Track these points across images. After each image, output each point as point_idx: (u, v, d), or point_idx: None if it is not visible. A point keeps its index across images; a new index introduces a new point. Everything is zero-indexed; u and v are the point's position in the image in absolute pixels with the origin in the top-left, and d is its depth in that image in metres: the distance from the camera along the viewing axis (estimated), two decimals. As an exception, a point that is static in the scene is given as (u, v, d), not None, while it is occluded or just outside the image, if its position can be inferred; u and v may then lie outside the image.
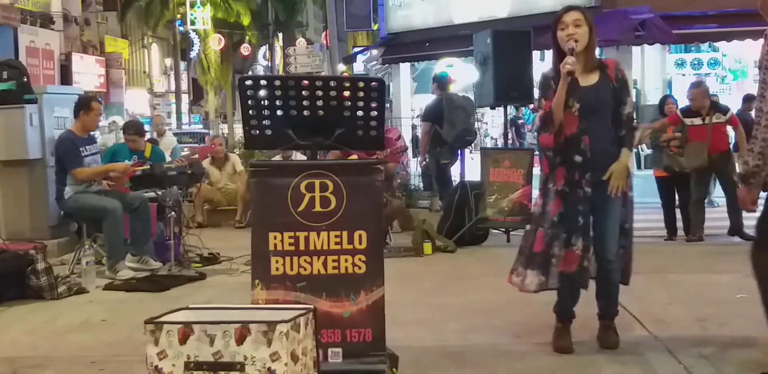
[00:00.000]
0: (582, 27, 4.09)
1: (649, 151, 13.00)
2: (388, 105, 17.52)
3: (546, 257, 4.13)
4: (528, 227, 4.30)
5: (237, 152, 12.05)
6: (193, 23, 37.93)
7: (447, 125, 9.23)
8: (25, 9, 22.05)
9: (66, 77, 24.71)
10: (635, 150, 16.96)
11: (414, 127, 19.11)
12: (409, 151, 11.51)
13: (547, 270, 4.14)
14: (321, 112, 3.65)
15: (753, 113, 3.44)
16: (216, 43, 39.75)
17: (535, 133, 4.33)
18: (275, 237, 3.54)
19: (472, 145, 9.89)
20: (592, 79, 4.15)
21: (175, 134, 15.32)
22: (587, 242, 4.11)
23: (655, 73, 18.93)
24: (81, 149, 6.82)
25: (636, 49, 16.56)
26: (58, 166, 6.90)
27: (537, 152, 4.42)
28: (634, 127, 4.26)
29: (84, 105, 6.98)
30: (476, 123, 10.33)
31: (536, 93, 9.44)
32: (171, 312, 3.16)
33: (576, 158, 4.10)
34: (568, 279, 4.13)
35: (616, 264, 4.20)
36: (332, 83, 3.67)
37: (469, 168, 9.19)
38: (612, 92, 4.13)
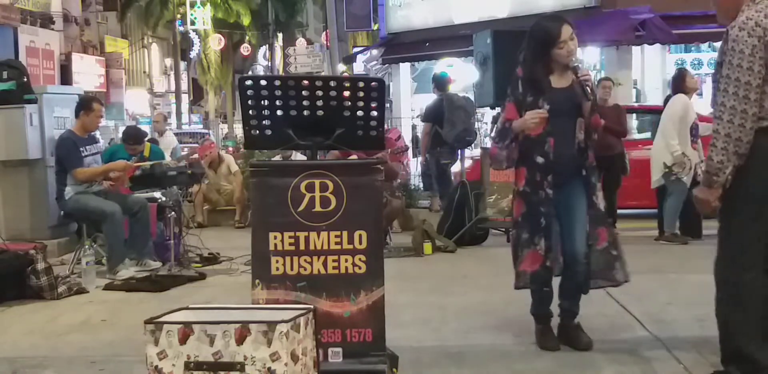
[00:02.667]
0: (575, 40, 4.14)
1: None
2: (388, 105, 17.52)
3: (515, 259, 4.21)
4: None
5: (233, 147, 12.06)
6: (193, 23, 37.97)
7: (447, 125, 9.24)
8: (25, 9, 22.06)
9: (66, 77, 24.73)
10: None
11: (414, 127, 19.11)
12: (409, 151, 11.51)
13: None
14: (321, 112, 3.65)
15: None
16: (216, 43, 39.79)
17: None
18: (275, 237, 3.54)
19: (472, 145, 9.88)
20: (566, 81, 4.18)
21: (175, 134, 15.29)
22: (549, 242, 4.12)
23: (655, 73, 18.91)
24: (81, 149, 6.82)
25: (636, 49, 16.55)
26: (59, 166, 6.90)
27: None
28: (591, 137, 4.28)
29: (85, 105, 6.98)
30: (476, 123, 10.32)
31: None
32: (171, 312, 3.16)
33: (538, 159, 4.12)
34: (532, 278, 4.16)
35: (583, 265, 4.18)
36: (332, 83, 3.67)
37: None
38: (581, 96, 4.15)
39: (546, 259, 4.12)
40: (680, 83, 8.09)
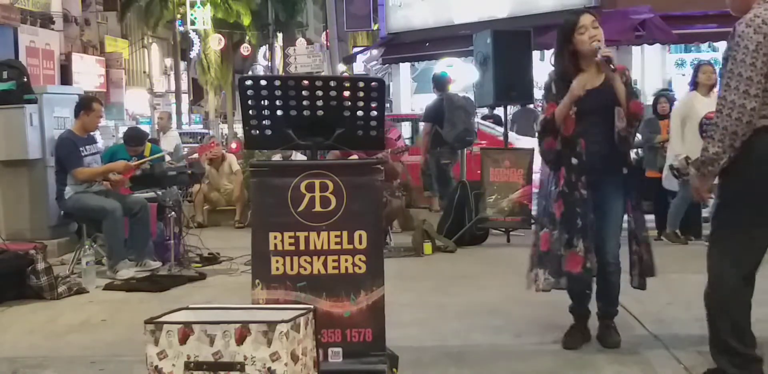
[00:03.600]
0: (599, 28, 4.12)
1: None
2: (388, 105, 17.52)
3: (553, 256, 4.15)
4: (533, 228, 4.34)
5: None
6: (193, 23, 37.95)
7: (447, 125, 9.24)
8: (25, 9, 22.06)
9: (66, 77, 24.74)
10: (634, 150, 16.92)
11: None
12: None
13: (557, 270, 4.16)
14: (321, 112, 3.65)
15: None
16: (216, 43, 39.76)
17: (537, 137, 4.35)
18: (275, 237, 3.54)
19: (472, 144, 9.89)
20: (598, 80, 4.16)
21: (183, 133, 15.31)
22: (588, 244, 4.11)
23: (655, 73, 18.92)
24: (81, 149, 6.82)
25: (636, 49, 16.56)
26: (58, 166, 6.90)
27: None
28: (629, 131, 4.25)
29: (85, 105, 6.98)
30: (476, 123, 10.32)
31: (536, 93, 9.47)
32: (171, 312, 3.16)
33: (572, 160, 4.12)
34: (574, 280, 4.15)
35: (615, 265, 4.22)
36: (332, 83, 3.67)
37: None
38: (615, 96, 4.12)
39: (586, 260, 4.10)
40: (693, 78, 7.86)
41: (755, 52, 3.31)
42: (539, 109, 15.68)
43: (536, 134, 4.42)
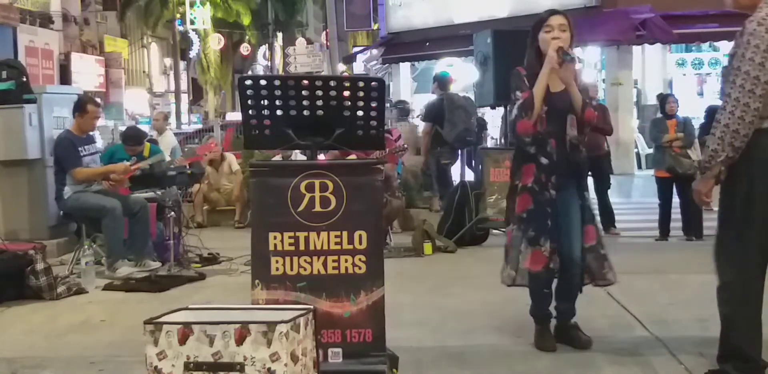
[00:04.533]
0: (566, 32, 4.16)
1: (650, 151, 12.98)
2: (388, 105, 17.51)
3: (514, 252, 4.17)
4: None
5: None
6: (192, 23, 37.93)
7: (448, 125, 9.23)
8: (25, 8, 22.06)
9: (65, 77, 24.73)
10: (635, 150, 16.98)
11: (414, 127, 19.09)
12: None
13: (516, 266, 4.18)
14: (321, 112, 3.64)
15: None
16: (216, 42, 39.77)
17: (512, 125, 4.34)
18: (275, 238, 3.53)
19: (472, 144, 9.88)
20: (562, 85, 4.18)
21: (175, 134, 15.26)
22: (554, 244, 4.13)
23: (655, 72, 18.91)
24: (80, 149, 6.81)
25: (636, 49, 16.58)
26: (57, 166, 6.89)
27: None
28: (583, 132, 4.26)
29: (80, 107, 6.96)
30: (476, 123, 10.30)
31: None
32: (170, 312, 3.15)
33: (542, 160, 4.13)
34: (533, 278, 4.16)
35: (580, 266, 4.20)
36: (332, 83, 3.66)
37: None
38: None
39: (550, 261, 4.12)
40: None
41: (766, 52, 3.28)
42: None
43: (510, 124, 4.42)
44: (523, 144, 4.15)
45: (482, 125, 11.66)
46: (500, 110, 8.83)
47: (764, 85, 3.28)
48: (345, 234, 3.53)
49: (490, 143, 13.35)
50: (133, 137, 8.14)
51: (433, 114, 9.63)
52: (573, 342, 4.24)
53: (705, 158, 3.41)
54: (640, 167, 17.32)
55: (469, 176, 9.37)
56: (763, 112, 3.32)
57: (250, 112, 3.68)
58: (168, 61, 42.07)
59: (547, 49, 4.11)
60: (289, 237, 3.53)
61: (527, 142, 4.13)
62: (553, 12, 4.23)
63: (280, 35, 39.93)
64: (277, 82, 3.65)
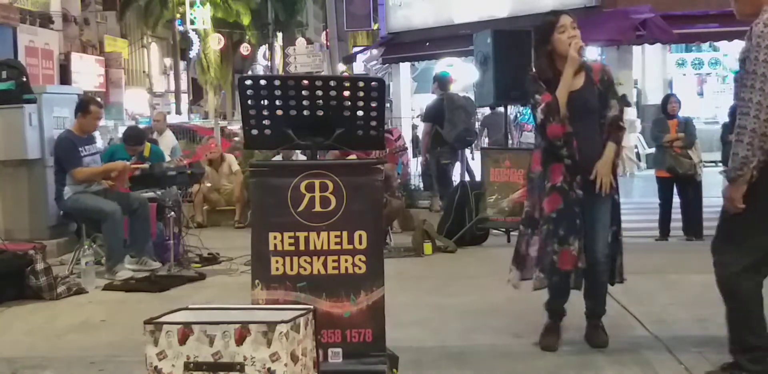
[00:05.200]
0: (577, 29, 4.14)
1: (651, 150, 12.99)
2: (388, 105, 17.52)
3: (546, 254, 4.12)
4: (521, 228, 4.31)
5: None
6: (192, 23, 37.93)
7: (448, 125, 9.23)
8: (25, 8, 22.04)
9: (65, 77, 24.70)
10: (635, 150, 16.98)
11: (414, 127, 19.12)
12: (409, 151, 11.49)
13: (550, 268, 4.13)
14: (321, 112, 3.64)
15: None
16: (216, 42, 39.76)
17: (538, 129, 4.31)
18: (275, 238, 3.53)
19: (473, 145, 9.88)
20: (577, 83, 4.17)
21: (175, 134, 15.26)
22: (581, 244, 4.12)
23: (655, 72, 18.90)
24: (80, 149, 6.81)
25: (637, 49, 16.56)
26: (57, 166, 6.89)
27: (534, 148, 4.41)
28: (620, 127, 4.24)
29: (82, 108, 6.95)
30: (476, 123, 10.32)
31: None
32: (170, 312, 3.15)
33: (566, 161, 4.12)
34: (563, 277, 4.14)
35: (605, 264, 4.22)
36: (332, 83, 3.66)
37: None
38: (597, 96, 4.16)
39: (578, 260, 4.10)
40: None
41: None
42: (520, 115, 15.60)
43: (535, 128, 4.39)
44: (555, 148, 4.12)
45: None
46: (500, 110, 8.85)
47: None
48: (345, 234, 3.53)
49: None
50: (134, 137, 8.14)
51: (433, 114, 9.63)
52: (589, 340, 4.27)
53: (736, 165, 3.36)
54: (639, 168, 17.33)
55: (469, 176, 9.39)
56: None
57: (250, 112, 3.68)
58: (168, 61, 42.07)
59: (565, 49, 4.07)
60: (289, 237, 3.53)
61: (559, 145, 4.11)
62: (559, 12, 4.21)
63: (280, 35, 39.92)
64: (277, 82, 3.65)
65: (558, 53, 4.13)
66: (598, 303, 4.32)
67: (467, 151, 9.77)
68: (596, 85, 4.17)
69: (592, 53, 17.91)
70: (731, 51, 17.93)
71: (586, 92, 4.15)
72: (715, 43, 17.85)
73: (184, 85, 41.49)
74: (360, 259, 3.53)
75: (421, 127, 11.52)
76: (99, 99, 12.10)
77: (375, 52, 23.37)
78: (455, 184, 9.26)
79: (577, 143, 4.10)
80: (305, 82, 3.65)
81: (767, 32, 3.30)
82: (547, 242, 4.12)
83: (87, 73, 27.43)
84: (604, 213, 4.20)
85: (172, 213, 6.79)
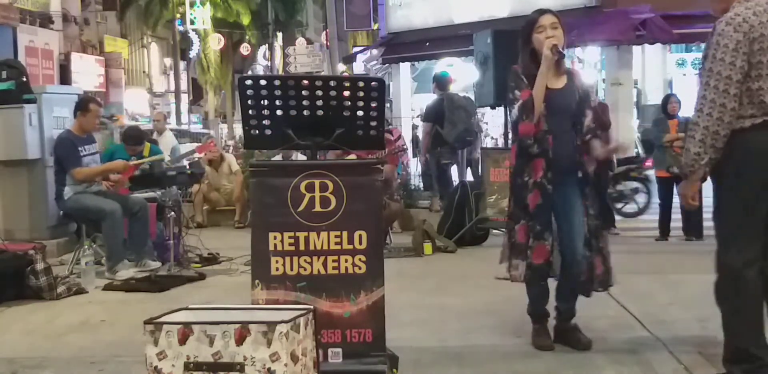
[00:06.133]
0: (558, 29, 4.16)
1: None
2: (388, 105, 17.53)
3: (528, 248, 4.16)
4: (507, 224, 4.33)
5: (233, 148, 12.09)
6: (192, 23, 37.92)
7: (448, 125, 9.23)
8: (25, 8, 22.02)
9: (65, 77, 24.68)
10: (636, 149, 17.03)
11: (414, 127, 19.12)
12: (409, 151, 11.48)
13: (527, 261, 4.17)
14: (321, 112, 3.64)
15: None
16: (216, 42, 39.74)
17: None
18: (275, 238, 3.53)
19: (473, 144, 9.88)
20: (560, 83, 4.20)
21: (175, 134, 15.28)
22: (553, 238, 4.14)
23: (655, 72, 18.91)
24: (80, 149, 6.81)
25: (636, 49, 16.54)
26: (57, 166, 6.89)
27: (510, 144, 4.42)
28: (597, 135, 4.24)
29: (82, 106, 6.96)
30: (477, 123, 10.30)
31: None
32: (170, 312, 3.15)
33: (538, 157, 4.13)
34: (535, 271, 4.15)
35: (581, 266, 4.17)
36: (332, 83, 3.66)
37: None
38: (577, 100, 4.18)
39: (550, 254, 4.12)
40: None
41: (735, 51, 3.30)
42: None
43: (512, 125, 4.40)
44: (525, 145, 4.14)
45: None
46: (500, 110, 8.84)
47: (737, 85, 3.29)
48: (345, 234, 3.53)
49: (489, 143, 13.35)
50: (133, 137, 8.14)
51: (433, 114, 9.63)
52: (573, 343, 4.24)
53: (688, 162, 3.40)
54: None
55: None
56: (740, 111, 3.32)
57: (250, 112, 3.68)
58: (168, 61, 42.04)
59: (541, 48, 4.11)
60: (289, 237, 3.53)
61: (529, 143, 4.13)
62: (542, 12, 4.23)
63: (280, 35, 39.89)
64: (277, 82, 3.65)
65: (538, 52, 4.16)
66: (572, 304, 4.31)
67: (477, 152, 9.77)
68: (578, 90, 4.20)
69: (593, 53, 17.93)
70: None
71: (567, 93, 4.18)
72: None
73: (184, 85, 41.46)
74: (360, 259, 3.53)
75: (421, 127, 11.53)
76: (99, 99, 12.10)
77: (375, 52, 23.37)
78: (455, 184, 9.27)
79: (552, 141, 4.12)
80: (305, 82, 3.65)
81: (727, 31, 3.33)
82: (528, 236, 4.15)
83: (87, 73, 27.41)
84: (579, 211, 4.17)
85: (172, 213, 6.79)
